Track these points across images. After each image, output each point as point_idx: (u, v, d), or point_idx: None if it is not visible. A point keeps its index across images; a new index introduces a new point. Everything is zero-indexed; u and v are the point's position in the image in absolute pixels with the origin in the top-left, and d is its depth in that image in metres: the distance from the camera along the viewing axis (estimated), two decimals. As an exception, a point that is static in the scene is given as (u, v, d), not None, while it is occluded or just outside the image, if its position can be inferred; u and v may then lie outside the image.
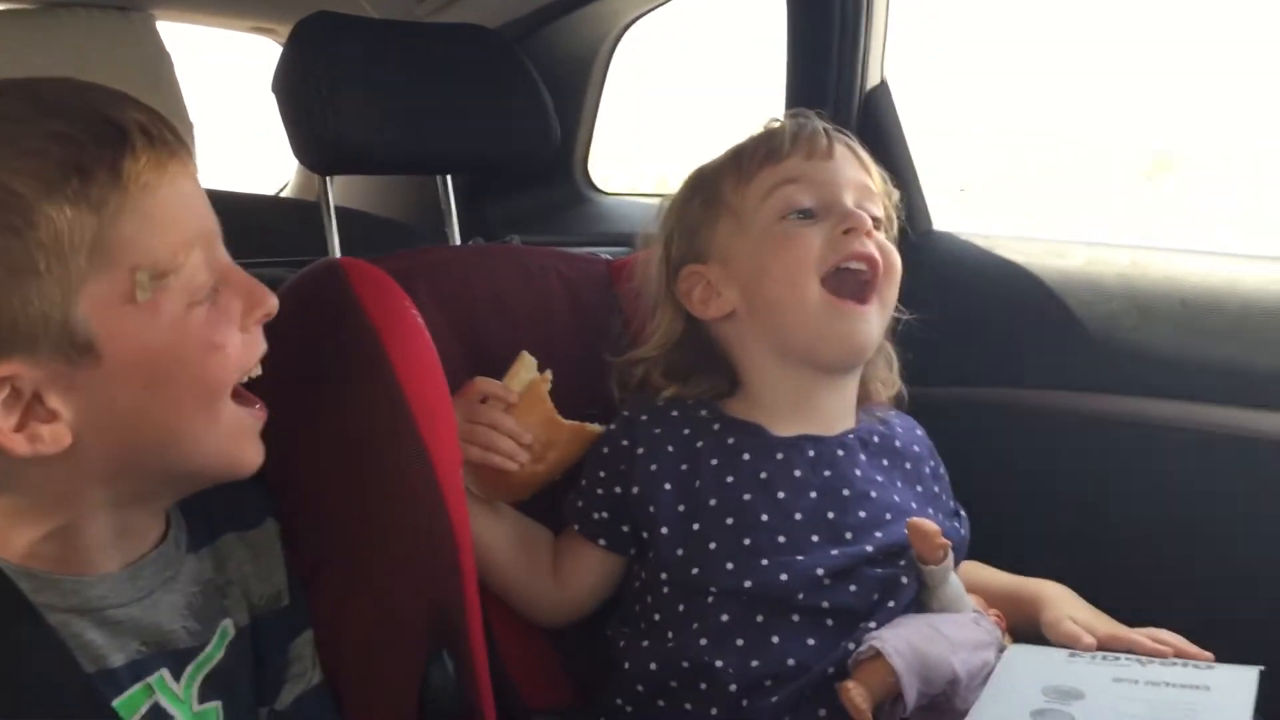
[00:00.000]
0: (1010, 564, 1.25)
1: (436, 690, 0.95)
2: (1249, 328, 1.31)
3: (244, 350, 0.82)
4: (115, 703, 0.78)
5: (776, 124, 1.19)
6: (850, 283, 1.11)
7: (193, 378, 0.78)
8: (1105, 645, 1.08)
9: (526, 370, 1.15)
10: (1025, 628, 1.14)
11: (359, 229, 1.72)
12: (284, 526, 0.95)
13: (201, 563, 0.88)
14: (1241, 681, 1.00)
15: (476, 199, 2.02)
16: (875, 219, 1.15)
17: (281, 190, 2.58)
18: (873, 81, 1.61)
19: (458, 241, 1.69)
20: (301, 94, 1.31)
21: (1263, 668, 1.01)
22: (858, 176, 1.16)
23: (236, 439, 0.83)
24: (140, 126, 0.75)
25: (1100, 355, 1.39)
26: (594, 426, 1.17)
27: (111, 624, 0.80)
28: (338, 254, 1.56)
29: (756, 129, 1.20)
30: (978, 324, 1.48)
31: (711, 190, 1.18)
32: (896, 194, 1.21)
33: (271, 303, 0.84)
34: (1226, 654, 1.06)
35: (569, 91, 2.12)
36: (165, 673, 0.82)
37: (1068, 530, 1.35)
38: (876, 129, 1.59)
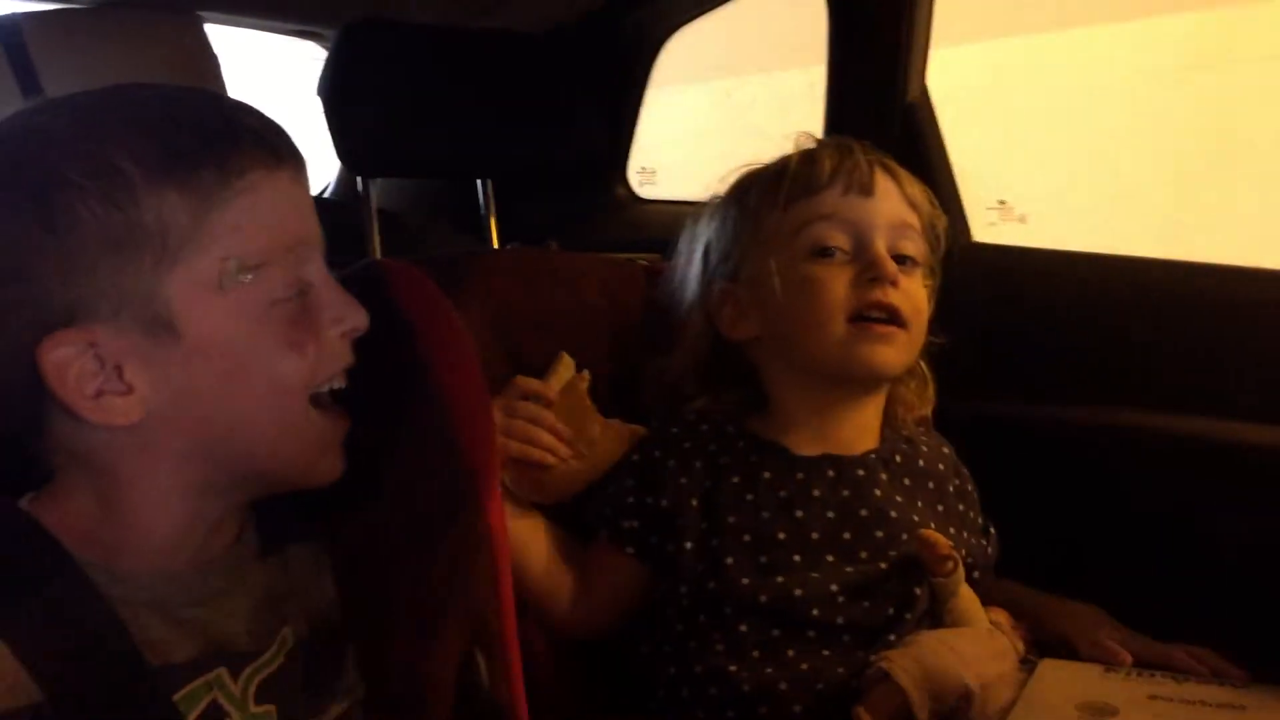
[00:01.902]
0: (1043, 582, 1.24)
1: (471, 690, 0.96)
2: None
3: (325, 359, 0.82)
4: (176, 697, 0.78)
5: (821, 147, 1.17)
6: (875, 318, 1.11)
7: (266, 374, 0.79)
8: (1141, 661, 1.08)
9: (565, 369, 1.16)
10: (1057, 647, 1.13)
11: (399, 231, 1.74)
12: (324, 527, 0.95)
13: (268, 570, 0.89)
14: (1278, 702, 0.99)
15: (515, 203, 2.03)
16: (909, 257, 1.14)
17: (323, 192, 2.60)
18: (913, 93, 1.61)
19: (496, 245, 1.70)
20: (345, 97, 1.33)
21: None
22: (896, 212, 1.14)
23: (313, 445, 0.84)
24: (252, 129, 0.79)
25: (1143, 370, 1.38)
26: (635, 427, 1.18)
27: (177, 621, 0.80)
28: (378, 255, 1.58)
29: (801, 147, 1.19)
30: (1017, 337, 1.47)
31: (748, 209, 1.17)
32: (944, 220, 1.20)
33: (359, 319, 0.85)
34: (1262, 674, 1.05)
35: (610, 97, 2.12)
36: (224, 671, 0.82)
37: (1106, 548, 1.34)
38: (916, 142, 1.58)
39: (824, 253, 1.11)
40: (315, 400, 0.83)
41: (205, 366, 0.77)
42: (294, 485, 0.87)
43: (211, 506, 0.84)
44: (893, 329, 1.10)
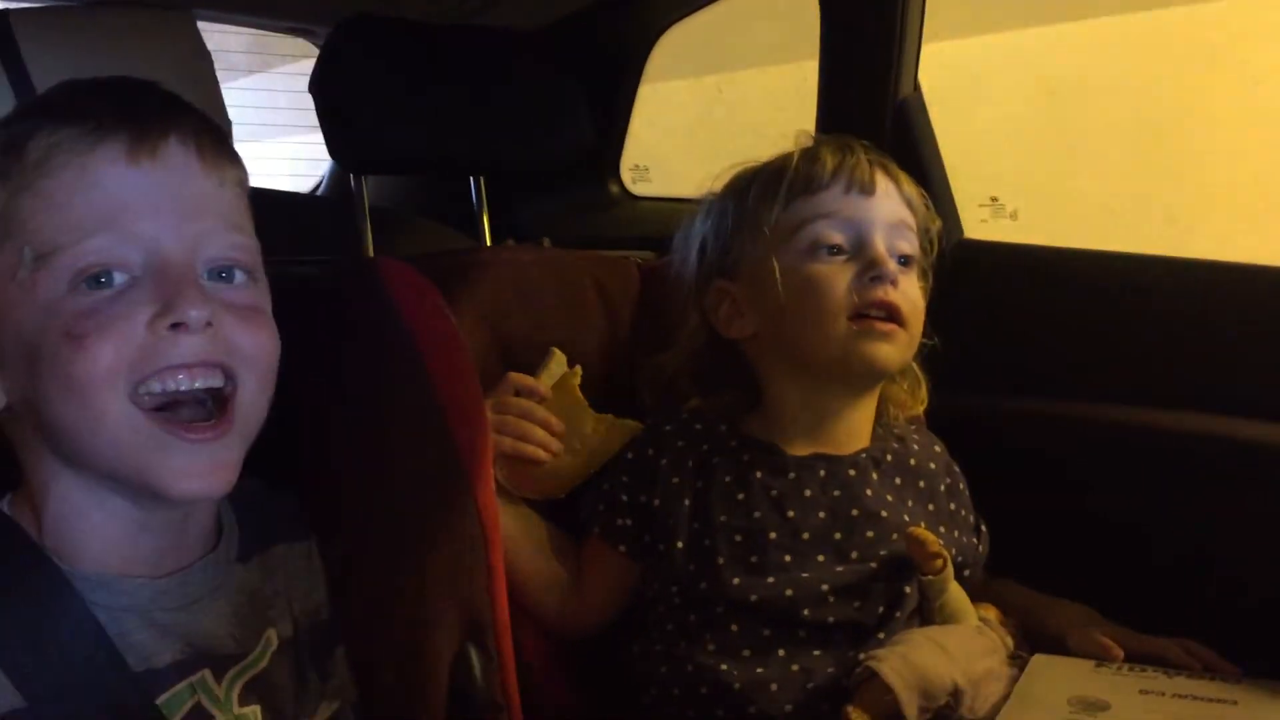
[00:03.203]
0: (1036, 579, 1.25)
1: (464, 687, 0.96)
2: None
3: (130, 352, 0.75)
4: (159, 700, 0.78)
5: (821, 146, 1.17)
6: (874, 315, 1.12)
7: (53, 367, 0.74)
8: (1133, 656, 1.09)
9: (557, 365, 1.17)
10: (1049, 643, 1.14)
11: (392, 228, 1.74)
12: (316, 526, 0.95)
13: (250, 572, 0.88)
14: (1270, 697, 1.00)
15: (508, 200, 2.03)
16: (907, 257, 1.14)
17: (316, 189, 2.60)
18: (905, 91, 1.61)
19: (489, 242, 1.70)
20: (338, 95, 1.33)
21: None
22: (895, 212, 1.15)
23: (139, 451, 0.76)
24: (72, 108, 0.76)
25: (1135, 366, 1.39)
26: (629, 422, 1.18)
27: (158, 625, 0.80)
28: (371, 253, 1.58)
29: (801, 145, 1.18)
30: (1009, 334, 1.48)
31: (747, 206, 1.16)
32: (939, 223, 1.20)
33: (182, 313, 0.75)
34: (1255, 669, 1.06)
35: (603, 94, 2.12)
36: (207, 673, 0.82)
37: (1097, 545, 1.34)
38: (908, 139, 1.59)
39: (825, 251, 1.12)
40: (141, 401, 0.76)
41: (16, 364, 0.75)
42: (152, 494, 0.78)
43: (128, 512, 0.80)
44: (893, 327, 1.10)
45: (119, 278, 0.75)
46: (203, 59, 1.82)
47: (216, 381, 0.78)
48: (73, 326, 0.74)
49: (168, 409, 0.77)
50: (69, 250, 0.74)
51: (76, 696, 0.74)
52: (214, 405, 0.78)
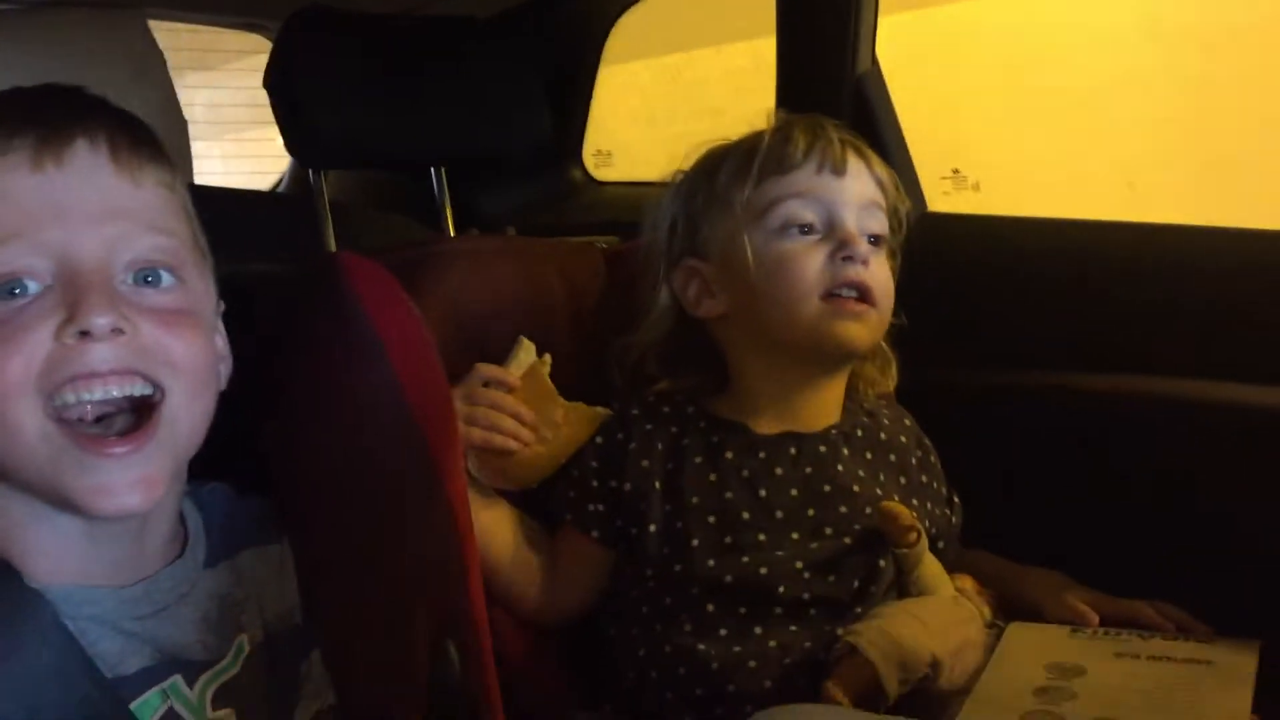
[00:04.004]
0: (1010, 548, 1.25)
1: (443, 682, 0.95)
2: (1265, 304, 1.30)
3: (37, 363, 0.73)
4: (132, 705, 0.77)
5: (793, 125, 1.17)
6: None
7: None
8: (1108, 618, 1.09)
9: (526, 354, 1.17)
10: (1024, 611, 1.14)
11: (354, 223, 1.73)
12: (287, 528, 0.94)
13: (219, 577, 0.87)
14: (1243, 656, 1.01)
15: (471, 191, 2.02)
16: (877, 236, 1.15)
17: (277, 186, 2.58)
18: (863, 66, 1.61)
19: (452, 234, 1.69)
20: (293, 89, 1.32)
21: (1264, 643, 1.02)
22: (866, 192, 1.15)
23: (56, 467, 0.74)
24: None
25: (1100, 335, 1.39)
26: (599, 409, 1.18)
27: (126, 633, 0.79)
28: (333, 248, 1.57)
29: (770, 124, 1.18)
30: (973, 306, 1.49)
31: (718, 185, 1.16)
32: (908, 204, 1.21)
33: (87, 320, 0.73)
34: (1227, 628, 1.07)
35: (562, 80, 2.12)
36: (179, 679, 0.81)
37: (1069, 513, 1.35)
38: (868, 114, 1.59)
39: (796, 230, 1.12)
40: (57, 413, 0.74)
41: None
42: (68, 508, 0.77)
43: (72, 525, 0.78)
44: (865, 307, 1.11)
45: (32, 286, 0.74)
46: (155, 58, 1.81)
47: (140, 389, 0.76)
48: None
49: (100, 421, 0.75)
50: None
51: (49, 705, 0.73)
52: (137, 417, 0.76)
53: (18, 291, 0.74)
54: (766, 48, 1.69)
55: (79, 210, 0.76)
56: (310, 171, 1.51)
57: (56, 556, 0.78)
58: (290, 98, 1.32)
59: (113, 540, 0.81)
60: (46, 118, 0.76)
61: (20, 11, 1.88)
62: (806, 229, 1.12)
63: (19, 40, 1.82)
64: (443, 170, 1.66)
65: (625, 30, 2.19)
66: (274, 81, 1.36)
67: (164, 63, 1.82)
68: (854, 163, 1.15)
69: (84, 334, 0.73)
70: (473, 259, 1.29)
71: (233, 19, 2.20)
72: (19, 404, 0.73)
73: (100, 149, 0.77)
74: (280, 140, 1.42)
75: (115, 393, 0.75)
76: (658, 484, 1.12)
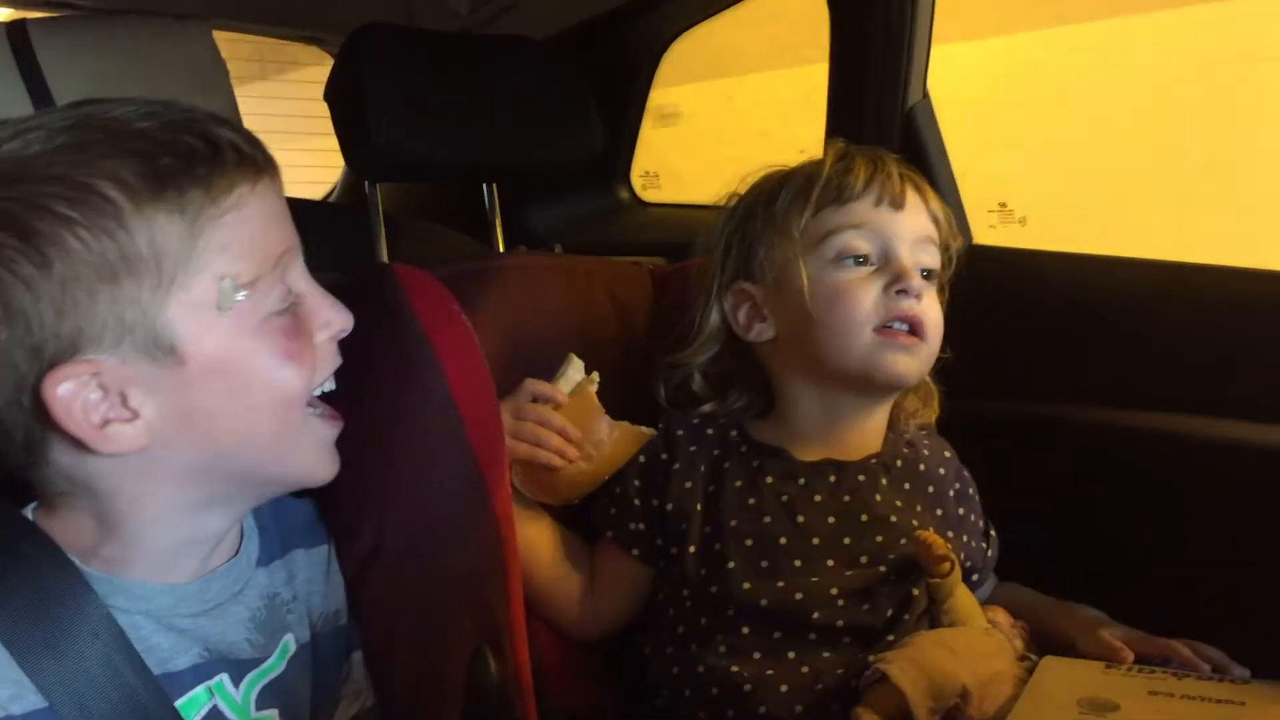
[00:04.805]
0: (1046, 582, 1.25)
1: (480, 688, 0.97)
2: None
3: (318, 364, 0.84)
4: (178, 703, 0.80)
5: (853, 157, 1.17)
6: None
7: (267, 386, 0.80)
8: (1143, 655, 1.09)
9: (575, 371, 1.18)
10: (1059, 648, 1.14)
11: (403, 235, 1.75)
12: (335, 532, 0.97)
13: (270, 577, 0.90)
14: (1277, 699, 1.00)
15: (520, 207, 2.04)
16: (930, 271, 1.16)
17: (329, 196, 2.61)
18: (914, 98, 1.62)
19: (501, 249, 1.71)
20: (352, 103, 1.34)
21: (1299, 685, 1.02)
22: (922, 227, 1.16)
23: (312, 448, 0.86)
24: (233, 145, 0.78)
25: (1143, 370, 1.39)
26: (645, 429, 1.19)
27: (178, 630, 0.82)
28: (385, 259, 1.59)
29: (830, 154, 1.19)
30: (1018, 339, 1.48)
31: (776, 211, 1.17)
32: (959, 240, 1.21)
33: (345, 320, 0.86)
34: (1264, 670, 1.06)
35: (612, 101, 2.13)
36: (225, 678, 0.83)
37: (1106, 548, 1.35)
38: (917, 145, 1.59)
39: (852, 260, 1.13)
40: (310, 404, 0.84)
41: (209, 386, 0.77)
42: (292, 488, 0.89)
43: (213, 520, 0.85)
44: (915, 340, 1.12)
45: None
46: (218, 67, 1.84)
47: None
48: (285, 346, 0.80)
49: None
50: (267, 278, 0.79)
51: (96, 698, 0.75)
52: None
53: None
54: (818, 74, 1.70)
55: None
56: (365, 183, 1.54)
57: (154, 558, 0.82)
58: (351, 111, 1.34)
59: (207, 542, 0.85)
60: (248, 155, 0.81)
61: (85, 19, 1.91)
62: (862, 260, 1.13)
63: (87, 46, 1.85)
64: (494, 186, 1.68)
65: (675, 53, 2.21)
66: (335, 94, 1.39)
67: (227, 72, 1.86)
68: (912, 198, 1.16)
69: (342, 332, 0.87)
70: (524, 274, 1.31)
71: (294, 32, 2.24)
72: (289, 410, 0.83)
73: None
74: (336, 151, 1.45)
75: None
76: (699, 505, 1.13)
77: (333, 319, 0.85)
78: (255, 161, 0.80)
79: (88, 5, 1.87)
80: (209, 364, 0.77)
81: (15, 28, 1.77)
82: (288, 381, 0.81)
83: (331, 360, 0.86)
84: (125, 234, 0.73)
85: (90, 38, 1.87)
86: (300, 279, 0.84)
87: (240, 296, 0.77)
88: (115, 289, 0.73)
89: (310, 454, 0.86)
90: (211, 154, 0.77)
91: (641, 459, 1.18)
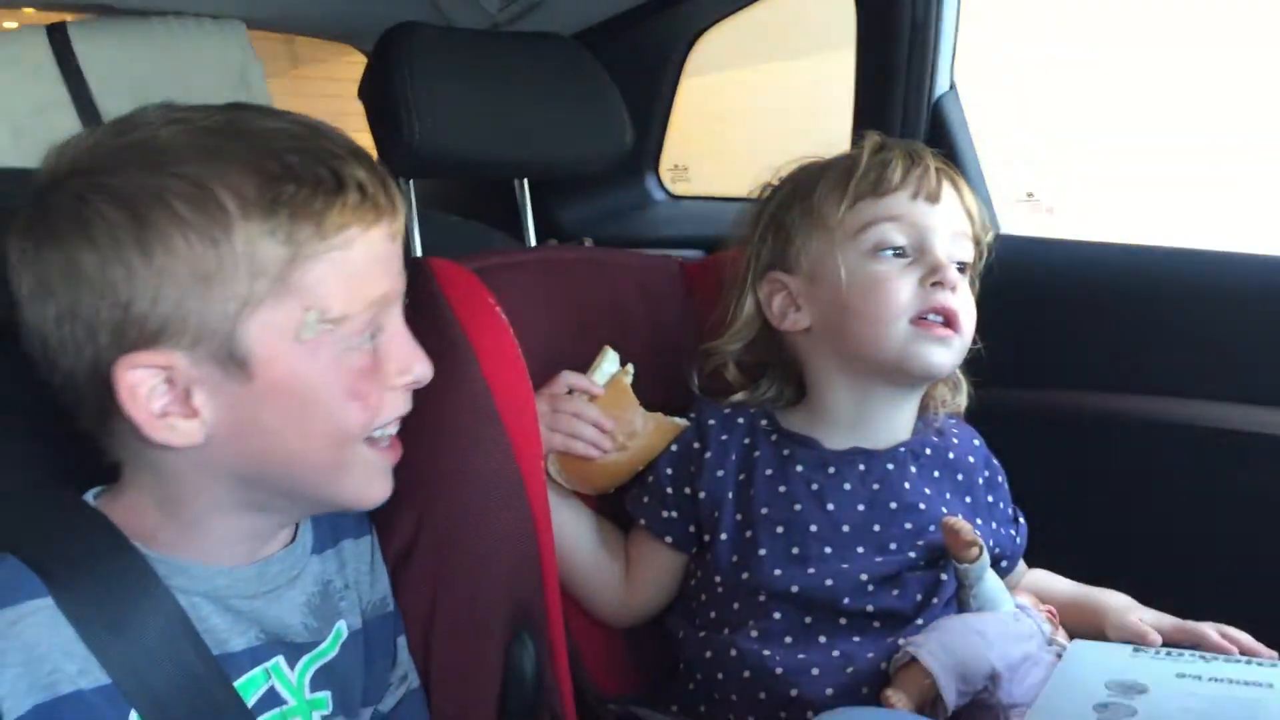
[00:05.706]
0: (1074, 567, 1.26)
1: (518, 672, 0.99)
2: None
3: (384, 406, 0.84)
4: (237, 683, 0.82)
5: (891, 150, 1.18)
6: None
7: (329, 419, 0.81)
8: (1171, 639, 1.10)
9: (609, 363, 1.20)
10: (1087, 632, 1.15)
11: (436, 229, 1.77)
12: (376, 522, 0.98)
13: (324, 564, 0.92)
14: (1305, 680, 1.01)
15: (548, 201, 2.05)
16: (964, 264, 1.17)
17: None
18: (941, 89, 1.63)
19: (533, 243, 1.73)
20: (386, 101, 1.36)
21: (1326, 667, 1.02)
22: (957, 221, 1.17)
23: (365, 477, 0.86)
24: (359, 185, 0.79)
25: (1171, 359, 1.39)
26: (678, 420, 1.21)
27: (235, 612, 0.84)
28: (419, 254, 1.61)
29: (867, 147, 1.19)
30: (1046, 327, 1.49)
31: (813, 202, 1.18)
32: (991, 234, 1.22)
33: (424, 370, 0.86)
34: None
35: (641, 96, 2.14)
36: (281, 659, 0.85)
37: (1134, 534, 1.36)
38: (945, 136, 1.60)
39: (888, 252, 1.14)
40: (370, 441, 0.85)
41: (271, 405, 0.79)
42: (344, 510, 0.91)
43: (267, 520, 0.87)
44: (949, 332, 1.13)
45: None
46: (254, 66, 1.86)
47: None
48: (355, 385, 0.81)
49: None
50: (356, 319, 0.80)
51: (157, 675, 0.77)
52: None
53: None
54: (844, 64, 1.71)
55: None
56: (400, 179, 1.56)
57: (212, 545, 0.84)
58: (385, 108, 1.36)
59: (266, 535, 0.88)
60: (370, 198, 0.81)
61: (124, 21, 1.94)
62: (899, 252, 1.14)
63: (123, 50, 1.87)
64: (525, 181, 1.70)
65: (701, 44, 2.21)
66: (370, 92, 1.41)
67: (262, 72, 1.88)
68: (948, 192, 1.17)
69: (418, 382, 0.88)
70: (558, 267, 1.32)
71: (328, 31, 2.26)
72: (344, 445, 0.84)
73: None
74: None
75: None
76: (730, 494, 1.15)
77: (412, 367, 0.85)
78: (376, 204, 0.80)
79: (122, 8, 1.90)
80: (275, 385, 0.78)
81: (56, 31, 1.80)
82: (349, 419, 0.81)
83: (402, 405, 0.86)
84: (229, 244, 0.75)
85: (129, 40, 1.89)
86: (391, 322, 0.84)
87: (323, 330, 0.78)
88: (206, 293, 0.75)
89: (363, 481, 0.86)
90: (334, 190, 0.77)
91: (674, 448, 1.19)
